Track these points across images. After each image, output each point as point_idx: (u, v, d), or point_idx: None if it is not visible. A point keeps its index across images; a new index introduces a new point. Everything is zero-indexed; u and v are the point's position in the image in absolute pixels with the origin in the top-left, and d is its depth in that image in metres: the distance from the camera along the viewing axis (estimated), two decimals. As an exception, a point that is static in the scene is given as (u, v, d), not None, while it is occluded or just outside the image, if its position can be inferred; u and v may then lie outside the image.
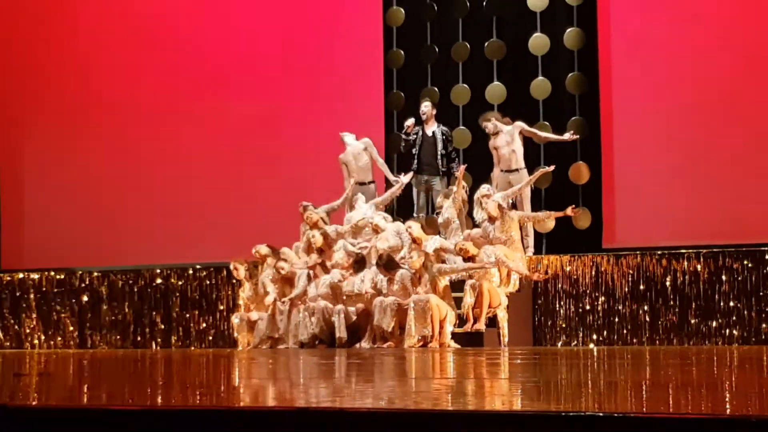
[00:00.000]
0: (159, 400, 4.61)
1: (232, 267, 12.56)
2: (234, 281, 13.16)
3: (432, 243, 11.64)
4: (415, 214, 12.82)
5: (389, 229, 12.03)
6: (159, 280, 13.93)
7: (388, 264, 11.35)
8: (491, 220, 11.45)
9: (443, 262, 11.55)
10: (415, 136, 12.75)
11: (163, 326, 13.84)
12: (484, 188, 11.88)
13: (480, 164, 12.70)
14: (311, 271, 12.03)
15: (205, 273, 13.70)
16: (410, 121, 12.80)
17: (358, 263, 11.72)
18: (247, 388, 5.57)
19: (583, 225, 12.89)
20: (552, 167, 12.19)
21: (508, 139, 12.21)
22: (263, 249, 12.34)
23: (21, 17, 16.06)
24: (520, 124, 12.30)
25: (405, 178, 12.61)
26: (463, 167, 12.11)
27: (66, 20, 15.80)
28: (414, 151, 12.76)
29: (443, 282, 11.20)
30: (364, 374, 6.70)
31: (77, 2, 15.79)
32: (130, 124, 15.28)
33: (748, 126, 12.37)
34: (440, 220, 12.17)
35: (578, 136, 12.47)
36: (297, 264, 12.21)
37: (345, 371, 7.07)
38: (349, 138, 12.93)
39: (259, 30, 14.69)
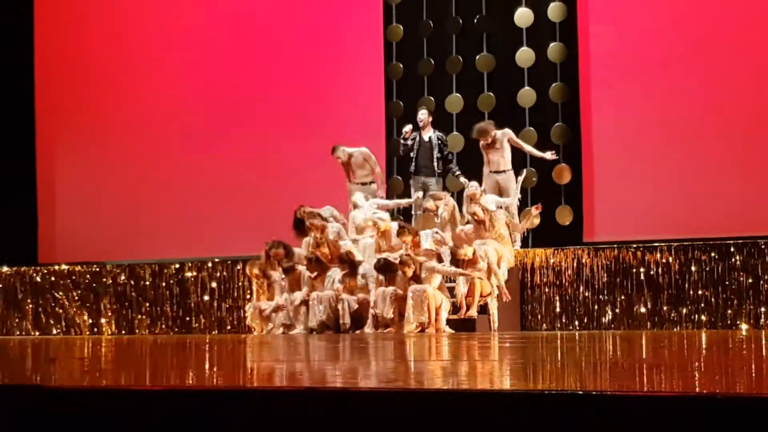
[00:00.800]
0: (179, 381, 4.60)
1: (248, 271, 12.45)
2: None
3: (425, 239, 11.66)
4: (413, 212, 12.83)
5: (392, 229, 12.03)
6: (181, 273, 13.92)
7: (385, 268, 11.31)
8: (479, 222, 11.44)
9: (438, 255, 11.54)
10: (413, 141, 12.76)
11: (184, 314, 13.84)
12: (472, 186, 11.90)
13: (472, 165, 12.73)
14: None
15: (221, 266, 13.70)
16: (408, 128, 12.82)
17: (351, 266, 11.62)
18: (260, 370, 5.56)
19: (566, 221, 12.94)
20: (527, 171, 12.30)
21: (497, 145, 12.25)
22: (280, 250, 12.26)
23: (63, 23, 16.06)
24: (508, 132, 12.32)
25: (416, 195, 12.58)
26: (441, 202, 12.11)
27: (103, 32, 15.80)
28: (412, 154, 12.78)
29: (435, 279, 11.17)
30: (367, 357, 6.69)
31: (115, 14, 15.77)
32: (156, 133, 15.29)
33: (714, 134, 12.40)
34: (437, 219, 12.16)
35: (558, 156, 12.47)
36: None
37: (350, 354, 7.06)
38: (348, 149, 12.89)
39: (277, 51, 14.70)
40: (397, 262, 11.33)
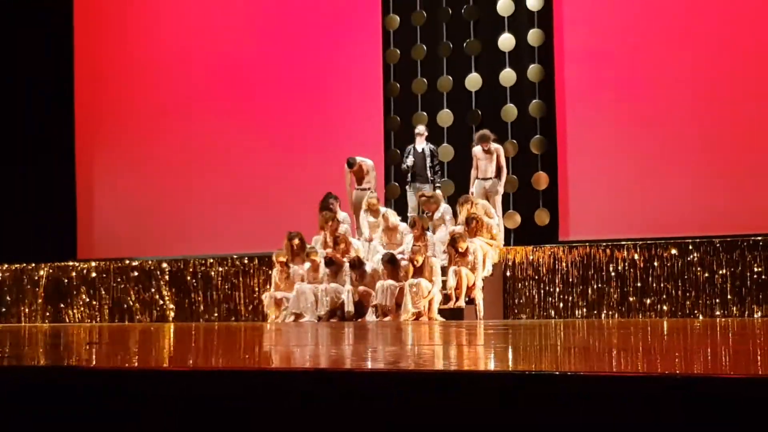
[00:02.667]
0: (199, 362, 4.61)
1: (274, 258, 12.46)
2: (266, 266, 13.19)
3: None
4: (409, 214, 12.85)
5: (399, 228, 12.13)
6: (203, 267, 13.93)
7: (391, 262, 11.35)
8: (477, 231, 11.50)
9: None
10: (407, 155, 12.77)
11: (206, 304, 13.84)
12: (463, 211, 11.84)
13: (461, 173, 12.77)
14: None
15: (240, 261, 13.71)
16: (410, 161, 12.68)
17: (359, 267, 11.64)
18: (274, 353, 5.57)
19: (543, 222, 12.97)
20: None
21: (491, 155, 12.28)
22: (296, 240, 12.34)
23: (101, 38, 16.07)
24: (501, 149, 12.35)
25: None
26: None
27: (137, 41, 15.83)
28: (409, 164, 12.72)
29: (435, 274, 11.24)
30: (368, 342, 6.70)
31: (149, 27, 15.80)
32: (181, 142, 15.30)
33: (672, 149, 12.43)
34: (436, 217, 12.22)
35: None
36: (320, 253, 12.24)
37: (353, 339, 7.07)
38: (359, 159, 12.92)
39: (293, 71, 14.73)
40: (400, 257, 11.40)
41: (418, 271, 11.16)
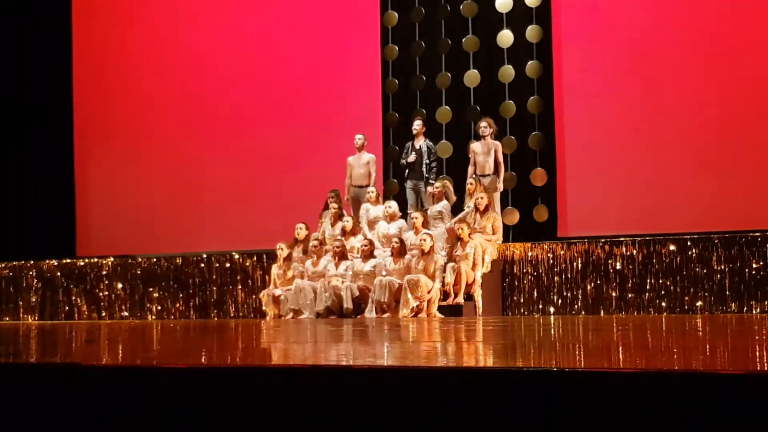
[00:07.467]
0: (201, 360, 4.60)
1: (277, 247, 12.43)
2: (265, 263, 13.19)
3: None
4: (408, 211, 12.83)
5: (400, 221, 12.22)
6: (202, 264, 13.92)
7: (401, 248, 11.41)
8: (484, 212, 11.53)
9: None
10: (406, 151, 12.74)
11: (204, 301, 13.84)
12: (469, 182, 11.95)
13: (459, 170, 12.75)
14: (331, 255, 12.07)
15: (239, 258, 13.70)
16: (412, 157, 12.66)
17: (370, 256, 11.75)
18: (272, 350, 5.56)
19: (542, 218, 12.96)
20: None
21: (485, 150, 12.24)
22: (303, 233, 12.36)
23: (99, 43, 16.10)
24: (499, 145, 12.31)
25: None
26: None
27: (134, 44, 15.86)
28: (409, 160, 12.69)
29: (435, 263, 11.24)
30: (367, 338, 6.69)
31: (143, 25, 15.82)
32: (179, 139, 15.30)
33: (670, 145, 12.43)
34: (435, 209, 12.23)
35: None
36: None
37: (352, 336, 7.06)
38: (359, 143, 12.86)
39: (292, 68, 14.75)
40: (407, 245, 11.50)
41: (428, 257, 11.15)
